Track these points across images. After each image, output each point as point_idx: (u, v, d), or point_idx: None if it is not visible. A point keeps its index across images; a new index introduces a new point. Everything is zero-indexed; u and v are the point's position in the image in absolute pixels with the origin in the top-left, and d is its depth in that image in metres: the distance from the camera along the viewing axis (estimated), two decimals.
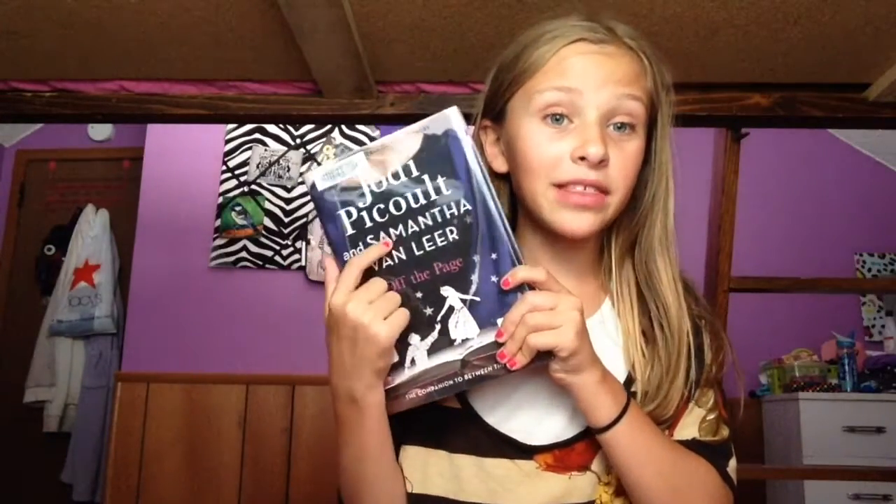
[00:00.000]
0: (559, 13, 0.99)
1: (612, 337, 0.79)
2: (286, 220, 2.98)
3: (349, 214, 0.67)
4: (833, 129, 3.17)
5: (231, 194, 3.00)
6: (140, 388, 2.81)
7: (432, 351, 0.67)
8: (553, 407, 0.75)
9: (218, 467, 2.75)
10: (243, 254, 2.93)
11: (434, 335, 0.67)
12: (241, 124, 2.96)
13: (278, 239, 2.96)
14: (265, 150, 3.04)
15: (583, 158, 0.70)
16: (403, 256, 0.66)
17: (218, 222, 2.97)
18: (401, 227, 0.66)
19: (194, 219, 2.97)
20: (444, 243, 0.65)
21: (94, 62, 1.22)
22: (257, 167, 3.02)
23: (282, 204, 3.00)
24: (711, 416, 0.78)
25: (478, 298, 0.65)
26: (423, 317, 0.67)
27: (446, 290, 0.66)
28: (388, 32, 1.09)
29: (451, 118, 0.65)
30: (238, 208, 2.98)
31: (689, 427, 0.77)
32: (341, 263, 0.67)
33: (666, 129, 0.78)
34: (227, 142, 3.04)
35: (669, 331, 0.75)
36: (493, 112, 0.79)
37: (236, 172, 3.02)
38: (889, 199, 3.22)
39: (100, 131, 3.71)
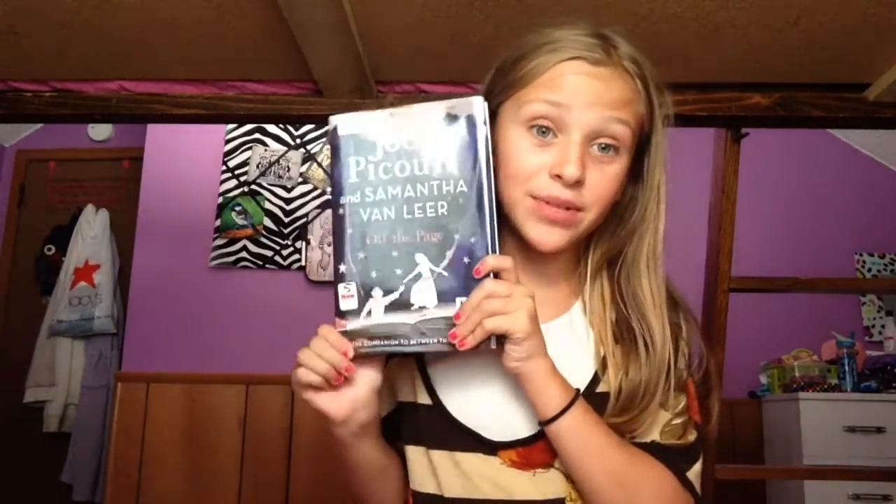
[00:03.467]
0: (559, 12, 0.99)
1: (579, 338, 0.80)
2: (286, 220, 2.98)
3: (357, 163, 0.72)
4: (833, 129, 3.17)
5: (231, 194, 3.00)
6: (140, 388, 2.81)
7: (390, 309, 0.70)
8: (515, 405, 0.76)
9: (218, 467, 2.75)
10: (243, 254, 2.93)
11: (395, 295, 0.70)
12: (241, 124, 2.96)
13: (278, 239, 2.96)
14: (265, 150, 3.04)
15: (559, 176, 0.72)
16: (393, 216, 0.71)
17: (218, 222, 2.97)
18: (399, 187, 0.70)
19: (194, 219, 2.97)
20: (432, 214, 0.70)
21: (94, 62, 1.22)
22: (257, 167, 3.02)
23: (282, 204, 3.00)
24: (678, 421, 0.77)
25: (446, 274, 0.69)
26: (393, 275, 0.70)
27: (420, 258, 0.70)
28: (388, 32, 1.09)
29: (475, 105, 0.70)
30: (238, 208, 2.98)
31: (651, 429, 0.76)
32: (339, 206, 0.72)
33: (660, 151, 0.79)
34: (227, 142, 3.04)
35: (653, 350, 0.75)
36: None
37: (236, 172, 3.02)
38: (889, 199, 3.22)
39: (100, 131, 3.71)
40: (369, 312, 0.71)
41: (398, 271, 0.70)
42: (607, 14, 1.03)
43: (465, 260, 0.68)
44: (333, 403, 0.73)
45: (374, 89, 1.25)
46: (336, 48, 1.08)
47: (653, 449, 0.75)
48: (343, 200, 0.72)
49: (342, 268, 0.72)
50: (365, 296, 0.71)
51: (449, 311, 0.69)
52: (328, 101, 1.26)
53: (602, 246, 0.81)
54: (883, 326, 3.06)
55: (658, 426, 0.76)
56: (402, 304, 0.70)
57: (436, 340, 0.69)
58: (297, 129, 3.05)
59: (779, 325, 2.96)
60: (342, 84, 1.22)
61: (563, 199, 0.73)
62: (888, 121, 1.25)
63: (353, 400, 0.73)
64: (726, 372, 1.45)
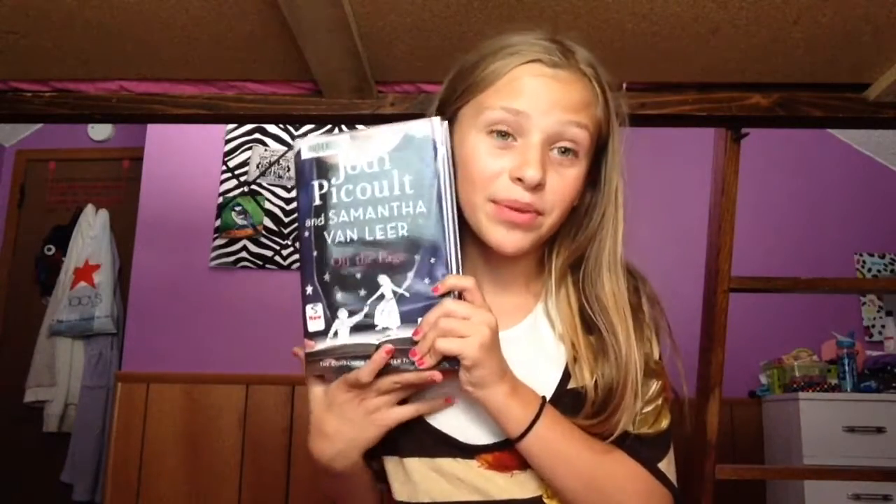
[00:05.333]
0: (558, 12, 0.99)
1: (544, 340, 0.80)
2: (286, 220, 2.98)
3: (321, 187, 0.73)
4: (833, 129, 3.17)
5: (231, 194, 3.00)
6: (140, 388, 2.81)
7: (355, 329, 0.71)
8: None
9: (218, 467, 2.75)
10: (243, 254, 2.94)
11: (360, 316, 0.71)
12: (241, 124, 2.96)
13: (278, 239, 2.96)
14: (265, 150, 3.04)
15: (520, 179, 0.72)
16: (355, 237, 0.72)
17: (218, 222, 2.97)
18: (360, 209, 0.72)
19: (194, 219, 2.97)
20: (393, 236, 0.70)
21: (94, 62, 1.22)
22: (257, 167, 3.02)
23: (282, 204, 3.00)
24: (649, 408, 0.77)
25: (407, 294, 0.70)
26: (357, 296, 0.71)
27: (382, 279, 0.71)
28: (388, 32, 1.09)
29: (432, 126, 0.71)
30: (238, 208, 2.98)
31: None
32: (305, 229, 0.73)
33: (616, 157, 0.79)
34: (227, 142, 3.04)
35: (618, 351, 0.75)
36: (444, 115, 0.80)
37: (236, 172, 3.02)
38: (889, 200, 3.22)
39: (100, 131, 3.71)
40: (336, 333, 0.72)
41: (362, 292, 0.71)
42: (607, 14, 1.03)
43: (426, 281, 0.69)
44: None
45: (374, 89, 1.25)
46: (336, 48, 1.08)
47: (625, 441, 0.75)
48: (308, 223, 0.73)
49: (308, 289, 0.73)
50: (331, 317, 0.72)
51: (411, 332, 0.69)
52: (328, 101, 1.26)
53: (564, 251, 0.81)
54: (883, 326, 3.06)
55: (629, 418, 0.76)
56: (366, 326, 0.71)
57: (400, 361, 0.69)
58: (297, 129, 3.06)
59: (779, 325, 2.97)
60: (342, 84, 1.22)
61: (524, 202, 0.73)
62: (888, 121, 1.25)
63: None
64: (726, 372, 1.45)
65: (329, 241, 0.72)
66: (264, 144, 3.04)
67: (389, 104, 1.26)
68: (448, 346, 0.67)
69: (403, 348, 0.69)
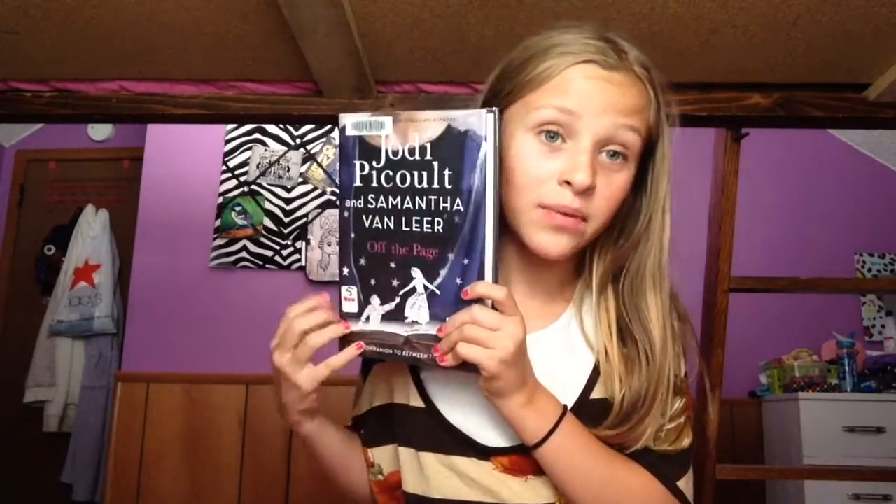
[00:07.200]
0: (559, 12, 0.99)
1: (573, 345, 0.79)
2: (286, 220, 2.98)
3: (362, 167, 0.71)
4: (833, 129, 3.17)
5: (231, 194, 3.00)
6: (140, 388, 2.81)
7: (385, 318, 0.71)
8: None
9: (218, 467, 2.75)
10: (243, 254, 2.93)
11: (391, 306, 0.71)
12: (241, 124, 2.96)
13: (278, 239, 2.96)
14: (265, 150, 3.04)
15: (569, 183, 0.70)
16: (392, 226, 0.70)
17: (218, 222, 2.97)
18: (399, 198, 0.69)
19: (194, 219, 2.97)
20: (428, 230, 0.68)
21: (94, 62, 1.22)
22: (257, 167, 3.02)
23: (282, 204, 3.00)
24: (672, 425, 0.76)
25: (438, 292, 0.68)
26: (389, 286, 0.71)
27: (415, 273, 0.70)
28: (388, 32, 1.09)
29: (476, 119, 0.66)
30: (238, 208, 2.98)
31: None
32: (345, 209, 0.72)
33: (665, 162, 0.77)
34: (227, 142, 3.04)
35: (653, 361, 0.74)
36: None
37: (236, 172, 3.02)
38: (889, 199, 3.22)
39: (100, 131, 3.71)
40: (368, 318, 0.72)
41: (395, 282, 0.70)
42: (607, 14, 1.03)
43: (458, 281, 0.67)
44: (309, 376, 0.73)
45: (374, 89, 1.25)
46: (336, 48, 1.08)
47: (644, 457, 0.74)
48: (348, 203, 0.72)
49: (345, 270, 0.73)
50: (364, 301, 0.73)
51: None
52: (328, 101, 1.26)
53: (606, 257, 0.79)
54: (883, 326, 3.06)
55: (651, 434, 0.75)
56: (397, 316, 0.70)
57: (426, 356, 0.69)
58: (297, 129, 3.05)
59: (779, 325, 2.97)
60: (342, 84, 1.22)
61: (573, 207, 0.70)
62: (888, 121, 1.25)
63: (317, 378, 0.74)
64: (726, 372, 1.45)
65: (367, 225, 0.71)
66: (264, 144, 3.04)
67: (389, 104, 1.26)
68: (470, 352, 0.65)
69: (428, 343, 0.69)
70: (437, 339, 0.68)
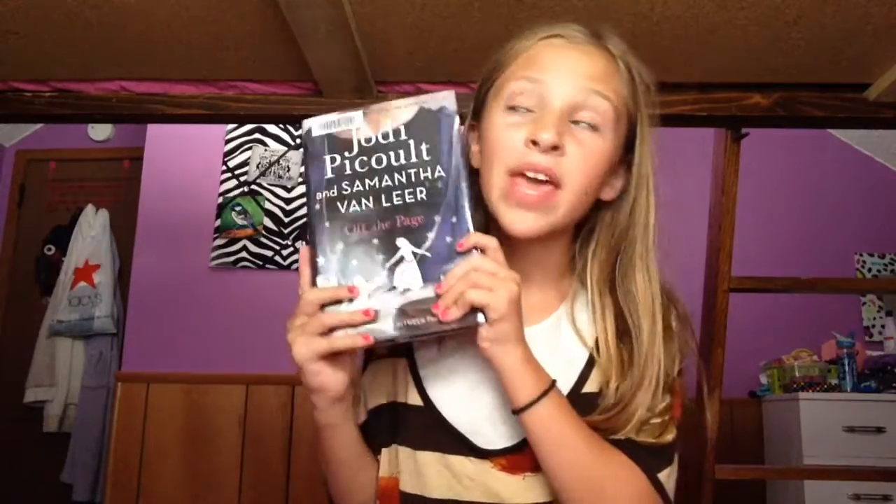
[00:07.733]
0: (558, 12, 0.99)
1: (564, 341, 0.79)
2: (286, 220, 2.98)
3: (333, 160, 0.73)
4: (833, 129, 3.17)
5: (231, 194, 3.00)
6: (140, 388, 2.81)
7: (374, 294, 0.70)
8: (505, 412, 0.74)
9: (218, 467, 2.75)
10: (243, 254, 2.94)
11: (378, 280, 0.70)
12: (241, 124, 2.96)
13: (278, 239, 2.96)
14: (265, 150, 3.04)
15: (535, 143, 0.71)
16: (371, 206, 0.71)
17: (218, 222, 2.97)
18: (376, 178, 0.71)
19: (194, 219, 2.97)
20: (411, 200, 0.70)
21: (94, 62, 1.22)
22: (257, 167, 3.02)
23: (282, 204, 3.00)
24: (657, 420, 0.75)
25: (429, 255, 0.69)
26: (374, 261, 0.71)
27: (401, 242, 0.70)
28: (388, 32, 1.09)
29: (447, 98, 0.72)
30: (238, 208, 2.98)
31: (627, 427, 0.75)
32: (315, 202, 0.72)
33: (646, 141, 0.78)
34: (227, 142, 3.04)
35: (639, 347, 0.74)
36: (476, 106, 0.81)
37: (236, 172, 3.02)
38: (889, 199, 3.22)
39: (100, 131, 3.71)
40: (351, 301, 0.71)
41: (380, 257, 0.70)
42: (607, 14, 1.03)
43: (448, 239, 0.69)
44: (337, 376, 0.71)
45: (374, 89, 1.25)
46: (336, 48, 1.08)
47: (627, 446, 0.74)
48: (319, 196, 0.73)
49: (320, 260, 0.72)
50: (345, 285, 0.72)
51: (433, 291, 0.69)
52: (328, 101, 1.26)
53: (603, 250, 0.79)
54: (883, 326, 3.05)
55: (636, 423, 0.74)
56: (385, 288, 0.70)
57: (424, 320, 0.68)
58: (297, 129, 3.05)
59: (779, 325, 2.96)
60: (342, 84, 1.22)
61: (541, 165, 0.71)
62: (888, 121, 1.25)
63: (349, 374, 0.72)
64: (726, 372, 1.45)
65: (343, 210, 0.72)
66: (264, 144, 3.04)
67: None
68: (479, 296, 0.65)
69: (424, 308, 0.69)
70: (432, 301, 0.68)
